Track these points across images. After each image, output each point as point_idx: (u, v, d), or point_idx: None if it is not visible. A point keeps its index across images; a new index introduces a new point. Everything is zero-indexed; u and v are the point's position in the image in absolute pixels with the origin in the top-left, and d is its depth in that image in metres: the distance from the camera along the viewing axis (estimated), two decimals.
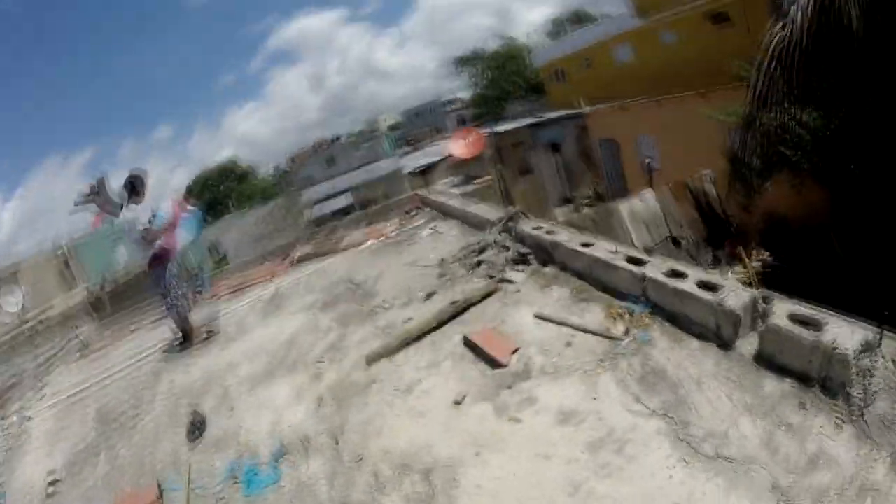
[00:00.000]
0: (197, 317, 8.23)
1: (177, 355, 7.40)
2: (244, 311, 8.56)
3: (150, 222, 7.45)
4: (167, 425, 5.19)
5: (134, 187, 7.61)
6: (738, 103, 12.68)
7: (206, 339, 7.49)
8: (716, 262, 13.68)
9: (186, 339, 7.54)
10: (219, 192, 66.95)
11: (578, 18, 35.67)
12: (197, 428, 4.73)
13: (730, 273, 12.60)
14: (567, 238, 5.47)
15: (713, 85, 16.73)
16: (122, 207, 7.65)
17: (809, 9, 6.62)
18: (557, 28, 37.32)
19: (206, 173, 73.38)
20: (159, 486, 4.05)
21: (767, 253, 13.75)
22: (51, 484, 5.11)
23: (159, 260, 7.49)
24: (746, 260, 12.37)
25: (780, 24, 7.25)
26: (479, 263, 6.27)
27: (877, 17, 6.27)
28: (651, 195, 13.87)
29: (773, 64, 7.05)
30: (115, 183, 7.88)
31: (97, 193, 7.74)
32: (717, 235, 14.40)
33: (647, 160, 18.83)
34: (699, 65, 20.66)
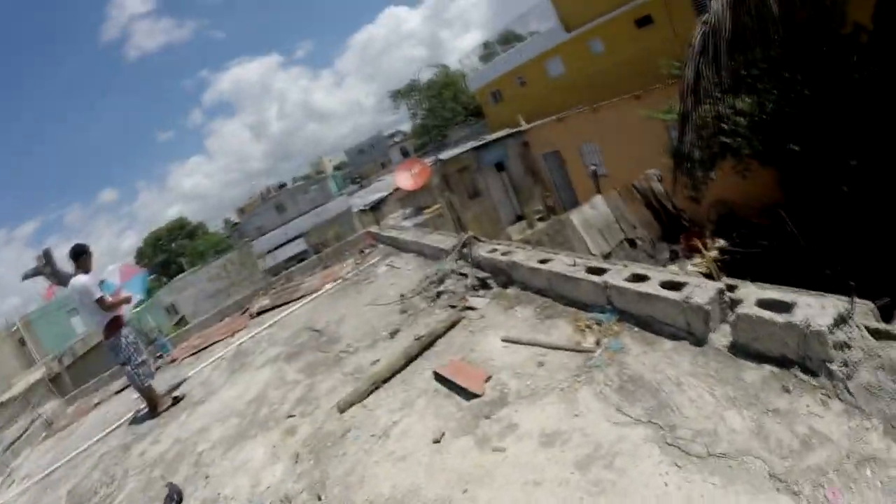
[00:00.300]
0: (161, 382, 8.09)
1: (145, 425, 7.22)
2: (208, 371, 8.37)
3: (101, 291, 7.30)
4: (141, 501, 5.02)
5: (78, 256, 7.50)
6: (673, 101, 13.04)
7: (173, 404, 7.31)
8: (674, 257, 13.84)
9: (152, 408, 7.36)
10: (171, 251, 66.45)
11: (507, 40, 36.20)
12: (174, 500, 4.54)
13: (689, 265, 12.73)
14: (524, 257, 5.42)
15: (647, 86, 17.14)
16: (69, 278, 7.53)
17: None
18: (488, 51, 37.83)
19: (156, 233, 72.81)
20: None
21: (723, 240, 13.94)
22: None
23: (113, 328, 7.35)
24: (704, 250, 12.50)
25: (703, 17, 7.43)
26: (439, 294, 6.20)
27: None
28: (601, 201, 14.00)
29: (700, 58, 7.21)
30: (62, 253, 7.79)
31: (45, 265, 7.66)
32: (671, 231, 14.60)
33: (593, 167, 19.09)
34: (630, 68, 21.31)
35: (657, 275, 3.92)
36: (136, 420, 7.47)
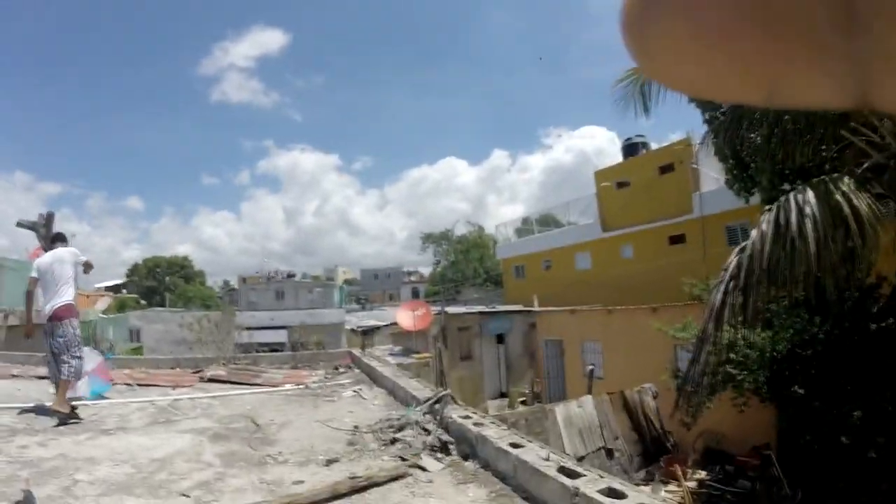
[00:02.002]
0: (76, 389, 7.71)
1: (41, 421, 6.90)
2: (133, 408, 7.95)
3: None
4: None
5: (56, 241, 7.76)
6: (688, 320, 12.95)
7: (69, 413, 6.91)
8: (649, 479, 13.36)
9: (58, 404, 6.94)
10: (162, 282, 66.13)
11: (546, 222, 37.02)
12: None
13: (663, 491, 12.19)
14: (495, 434, 5.04)
15: (664, 300, 17.45)
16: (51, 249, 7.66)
17: (769, 233, 6.94)
18: (525, 227, 38.62)
19: (158, 259, 72.98)
20: None
21: (704, 472, 13.47)
22: None
23: (68, 312, 7.29)
24: (682, 479, 11.97)
25: (741, 245, 7.53)
26: (394, 441, 5.79)
27: (830, 241, 6.61)
28: (590, 403, 13.66)
29: (731, 284, 7.17)
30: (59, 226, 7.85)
31: (43, 225, 7.64)
32: (652, 451, 14.11)
33: (591, 367, 18.84)
34: (654, 280, 21.85)
35: (636, 496, 3.52)
36: (38, 412, 7.16)
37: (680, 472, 12.39)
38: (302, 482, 4.77)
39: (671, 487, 12.66)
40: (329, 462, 5.30)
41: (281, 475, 4.99)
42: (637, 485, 11.69)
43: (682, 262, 20.76)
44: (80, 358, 7.30)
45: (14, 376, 10.36)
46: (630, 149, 29.73)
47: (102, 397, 8.36)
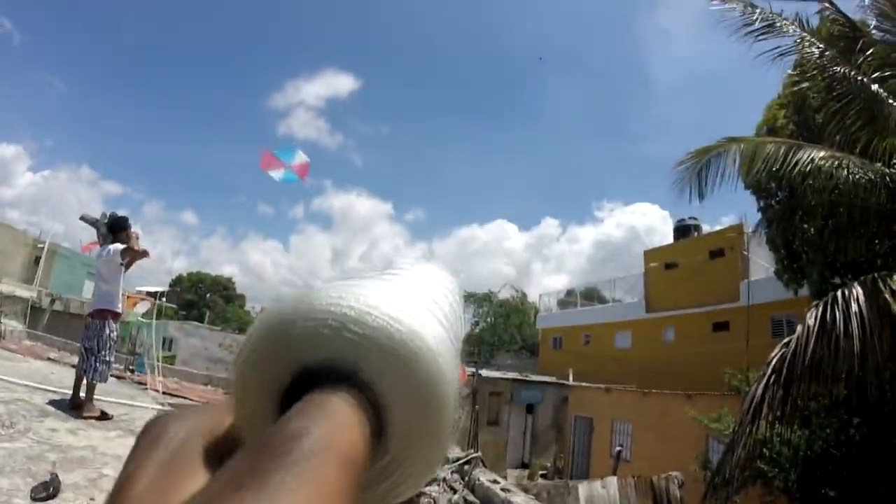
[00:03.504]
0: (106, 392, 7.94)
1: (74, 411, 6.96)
2: None
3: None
4: (20, 465, 4.68)
5: (115, 229, 7.60)
6: (723, 411, 12.57)
7: (99, 418, 6.92)
8: None
9: (78, 405, 7.00)
10: (202, 299, 66.76)
11: (590, 296, 36.72)
12: (47, 490, 4.17)
13: None
14: (522, 502, 4.95)
15: (702, 387, 17.12)
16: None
17: (814, 329, 6.82)
18: (569, 299, 38.34)
19: (203, 276, 73.75)
20: None
21: None
22: None
23: (107, 313, 7.28)
24: None
25: (785, 339, 7.38)
26: (420, 495, 5.70)
27: (876, 340, 6.41)
28: (614, 484, 13.30)
29: (772, 378, 7.02)
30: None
31: (105, 224, 7.76)
32: None
33: (619, 448, 18.47)
34: (693, 365, 21.51)
35: None
36: (66, 408, 7.12)
37: None
38: None
39: None
40: None
41: None
42: None
43: (723, 350, 20.30)
44: (108, 363, 7.27)
45: (50, 359, 10.54)
46: (682, 230, 29.74)
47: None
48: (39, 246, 26.63)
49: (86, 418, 6.72)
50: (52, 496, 4.13)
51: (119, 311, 7.41)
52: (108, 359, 7.20)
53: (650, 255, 29.65)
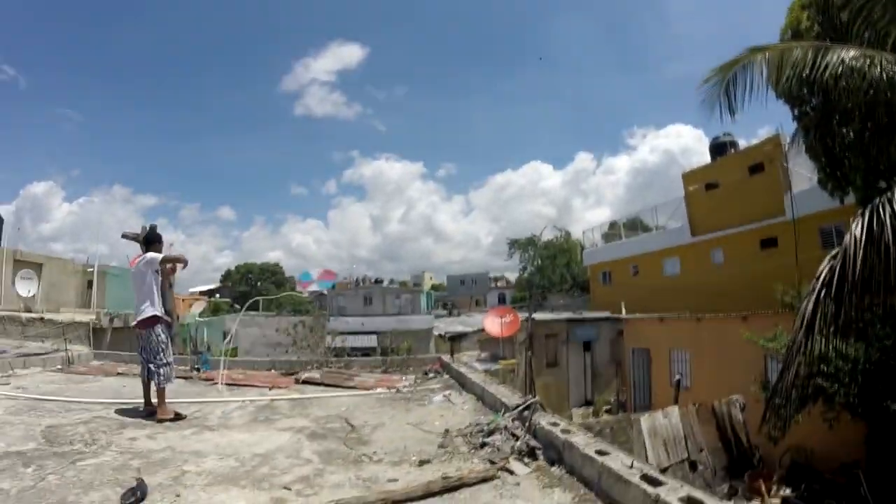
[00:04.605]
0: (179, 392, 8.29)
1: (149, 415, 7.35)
2: (234, 407, 8.36)
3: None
4: (108, 477, 4.96)
5: (150, 243, 7.89)
6: (779, 329, 12.42)
7: (174, 418, 7.25)
8: (732, 494, 12.90)
9: (152, 412, 7.36)
10: (254, 288, 67.80)
11: (633, 226, 36.23)
12: (135, 495, 4.39)
13: None
14: (582, 441, 5.08)
15: (755, 307, 16.92)
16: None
17: (861, 238, 6.69)
18: (612, 232, 37.81)
19: (250, 266, 74.94)
20: None
21: (790, 489, 12.96)
22: None
23: (147, 323, 7.53)
24: (765, 495, 11.59)
25: (833, 252, 7.28)
26: (483, 445, 5.89)
27: None
28: (676, 413, 13.36)
29: (823, 292, 6.92)
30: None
31: (148, 239, 7.94)
32: (737, 465, 13.66)
33: (678, 377, 18.35)
34: (745, 286, 21.12)
35: None
36: (142, 415, 7.51)
37: (764, 489, 12.00)
38: (396, 480, 4.92)
39: (754, 503, 12.27)
40: (421, 463, 5.44)
41: (376, 473, 5.17)
42: (720, 499, 11.39)
43: (774, 267, 20.08)
44: (167, 364, 7.53)
45: (119, 374, 11.06)
46: (718, 149, 28.92)
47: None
48: (89, 270, 27.72)
49: (161, 421, 7.05)
50: (141, 499, 4.36)
51: (159, 314, 7.61)
52: (165, 361, 7.50)
53: (689, 177, 29.06)
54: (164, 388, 7.44)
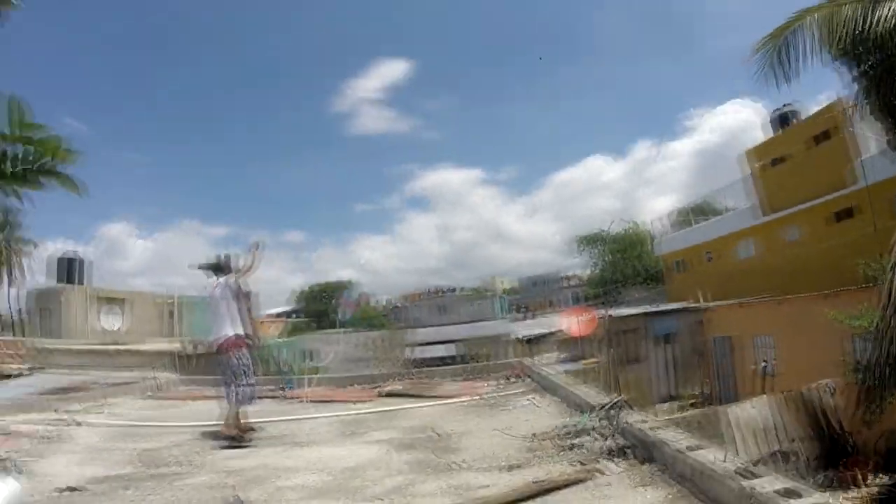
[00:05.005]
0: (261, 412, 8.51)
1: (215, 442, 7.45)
2: (322, 423, 8.57)
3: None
4: (205, 497, 5.13)
5: (219, 270, 8.20)
6: (864, 306, 11.83)
7: (234, 437, 7.36)
8: (827, 484, 12.36)
9: (229, 435, 7.46)
10: (329, 306, 68.68)
11: (702, 211, 35.00)
12: None
13: (841, 498, 11.37)
14: (672, 437, 5.01)
15: (837, 284, 15.99)
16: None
17: None
18: (681, 219, 36.62)
19: (322, 285, 75.95)
20: None
21: (888, 476, 12.40)
22: (69, 489, 5.34)
23: (225, 347, 7.76)
24: (862, 484, 11.13)
25: None
26: (571, 447, 5.86)
27: None
28: (763, 403, 12.84)
29: None
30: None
31: (218, 267, 8.12)
32: (831, 454, 13.10)
33: (763, 364, 17.67)
34: (825, 263, 20.14)
35: (810, 496, 3.42)
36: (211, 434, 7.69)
37: (860, 477, 11.52)
38: (487, 486, 4.93)
39: (850, 494, 11.78)
40: (511, 467, 5.43)
41: (467, 480, 5.18)
42: (815, 489, 10.96)
43: (852, 240, 19.10)
44: (249, 386, 7.70)
45: (206, 398, 11.36)
46: (780, 120, 27.69)
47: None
48: (169, 302, 28.89)
49: (225, 437, 7.25)
50: None
51: (237, 336, 7.79)
52: (246, 382, 7.67)
53: (753, 153, 27.74)
54: (238, 409, 7.63)
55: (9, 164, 2.14)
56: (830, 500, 3.34)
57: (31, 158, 2.15)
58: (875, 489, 11.39)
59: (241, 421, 7.92)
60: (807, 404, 12.90)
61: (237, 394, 7.58)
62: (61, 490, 5.35)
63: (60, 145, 2.13)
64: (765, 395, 13.05)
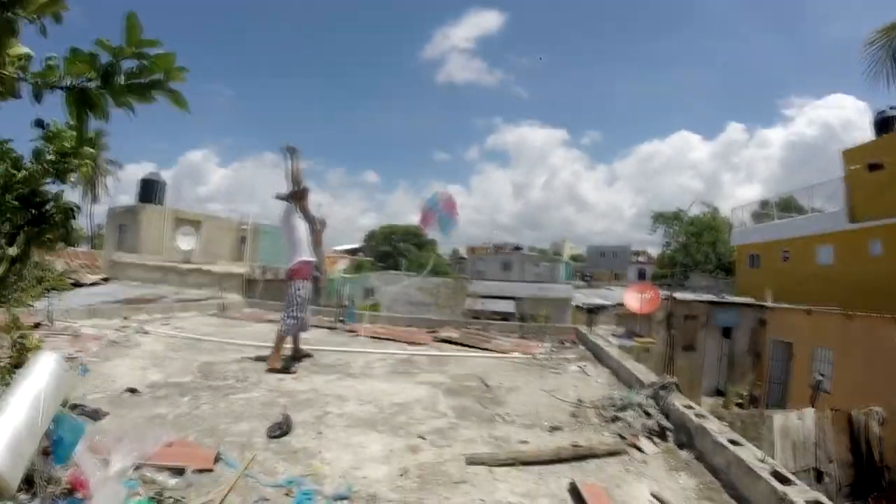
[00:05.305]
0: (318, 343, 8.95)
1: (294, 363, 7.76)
2: (375, 358, 8.80)
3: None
4: (256, 411, 5.44)
5: (294, 197, 8.20)
6: None
7: (280, 370, 7.37)
8: None
9: (273, 357, 7.59)
10: (396, 249, 69.51)
11: (787, 206, 33.82)
12: (281, 428, 4.82)
13: None
14: (716, 428, 5.02)
15: None
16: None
17: None
18: (764, 211, 35.43)
19: (393, 227, 76.85)
20: (219, 454, 4.13)
21: None
22: (129, 391, 5.76)
23: (292, 274, 7.88)
24: None
25: None
26: (615, 419, 5.91)
27: None
28: (811, 416, 12.64)
29: None
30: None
31: (298, 195, 8.26)
32: (864, 483, 12.82)
33: (819, 377, 17.24)
34: None
35: None
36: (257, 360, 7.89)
37: None
38: (527, 442, 5.06)
39: None
40: (552, 429, 5.53)
41: (508, 433, 5.31)
42: None
43: None
44: (295, 318, 7.77)
45: (269, 321, 11.78)
46: (884, 123, 25.91)
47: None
48: (243, 227, 29.88)
49: (271, 370, 7.31)
50: (286, 433, 4.77)
51: (295, 268, 7.88)
52: (296, 314, 7.76)
53: (850, 154, 26.18)
54: (283, 337, 7.74)
55: (122, 77, 2.27)
56: None
57: (144, 73, 2.27)
58: None
59: (298, 346, 8.23)
60: (852, 427, 12.62)
61: (283, 324, 7.75)
62: (122, 391, 5.75)
63: (174, 62, 2.25)
64: (812, 409, 12.74)
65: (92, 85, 2.27)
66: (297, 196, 8.13)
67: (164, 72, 2.30)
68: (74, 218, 3.84)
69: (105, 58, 2.22)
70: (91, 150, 3.93)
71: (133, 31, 2.17)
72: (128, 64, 2.25)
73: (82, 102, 2.27)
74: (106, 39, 2.17)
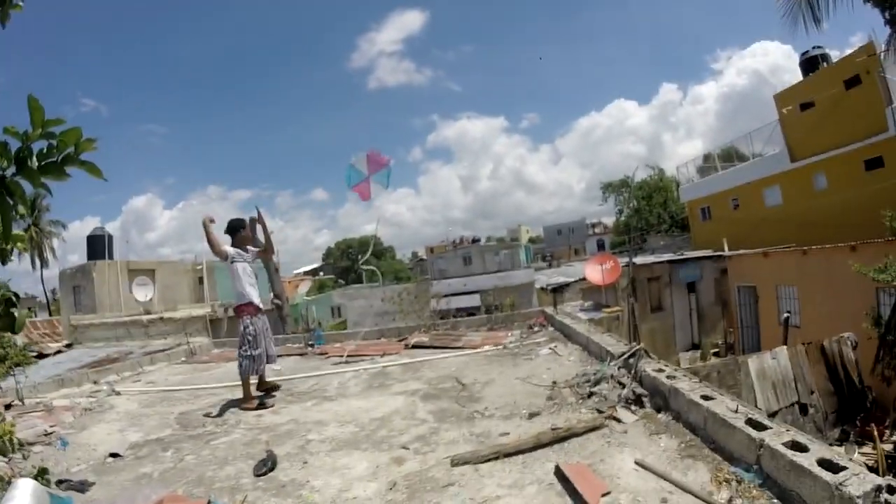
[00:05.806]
0: (290, 374, 8.89)
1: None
2: (349, 376, 8.79)
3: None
4: (240, 452, 5.44)
5: (234, 231, 8.05)
6: (889, 259, 11.66)
7: (256, 408, 7.26)
8: (843, 439, 12.40)
9: (243, 398, 7.49)
10: (355, 261, 69.31)
11: (729, 156, 34.46)
12: (266, 465, 4.82)
13: (856, 453, 11.42)
14: (687, 386, 5.13)
15: (864, 235, 15.98)
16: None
17: None
18: (707, 164, 36.05)
19: (349, 241, 76.63)
20: (209, 502, 4.12)
21: None
22: (111, 456, 5.67)
23: (239, 311, 7.76)
24: (877, 440, 11.17)
25: None
26: (591, 395, 6.00)
27: None
28: (784, 354, 12.85)
29: None
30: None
31: (233, 229, 8.14)
32: (849, 407, 13.13)
33: (787, 314, 17.50)
34: (852, 212, 20.10)
35: (817, 449, 3.55)
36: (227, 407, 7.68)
37: (876, 433, 11.50)
38: (507, 434, 5.13)
39: (866, 449, 11.76)
40: (531, 415, 5.62)
41: (488, 428, 5.39)
42: (830, 444, 10.97)
43: (881, 190, 18.98)
44: (250, 357, 7.50)
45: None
46: (809, 64, 27.12)
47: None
48: (198, 268, 29.64)
49: (244, 409, 7.21)
50: (272, 469, 4.78)
51: (243, 303, 7.71)
52: (249, 352, 7.51)
53: (781, 97, 27.21)
54: (245, 378, 7.54)
55: (35, 160, 2.29)
56: (838, 455, 3.43)
57: (54, 152, 2.29)
58: (891, 446, 11.40)
59: (263, 380, 8.09)
60: (827, 357, 12.86)
61: (239, 365, 7.56)
62: (104, 458, 5.68)
63: (81, 136, 2.27)
64: (785, 347, 12.96)
65: (8, 174, 2.28)
66: (239, 241, 8.02)
67: (73, 146, 2.31)
68: (15, 306, 3.80)
69: (15, 144, 2.23)
70: (22, 232, 3.89)
71: (36, 112, 2.18)
72: (37, 145, 2.27)
73: (2, 192, 2.28)
74: (12, 127, 2.18)
